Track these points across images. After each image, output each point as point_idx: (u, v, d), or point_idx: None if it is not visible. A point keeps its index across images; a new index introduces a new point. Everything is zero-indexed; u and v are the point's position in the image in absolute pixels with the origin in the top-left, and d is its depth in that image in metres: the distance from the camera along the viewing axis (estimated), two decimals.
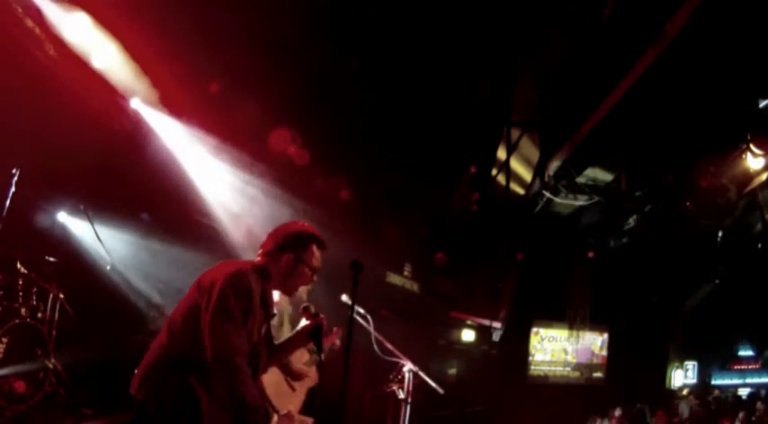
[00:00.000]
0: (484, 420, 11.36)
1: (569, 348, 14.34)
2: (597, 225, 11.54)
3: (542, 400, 12.03)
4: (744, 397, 14.64)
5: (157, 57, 6.44)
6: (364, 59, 7.49)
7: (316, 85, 7.42)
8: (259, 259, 2.93)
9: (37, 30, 5.87)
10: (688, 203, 10.01)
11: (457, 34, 7.64)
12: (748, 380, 15.77)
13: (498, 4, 7.47)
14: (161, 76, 6.71)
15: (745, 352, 16.21)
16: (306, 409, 4.80)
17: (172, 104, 6.97)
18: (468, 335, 12.48)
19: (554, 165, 9.79)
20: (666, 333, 15.17)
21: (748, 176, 9.05)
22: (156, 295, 7.16)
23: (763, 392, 14.40)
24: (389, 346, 3.96)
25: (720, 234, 11.27)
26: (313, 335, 3.06)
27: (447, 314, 11.91)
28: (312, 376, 4.86)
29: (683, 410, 13.03)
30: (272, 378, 4.47)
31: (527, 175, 10.64)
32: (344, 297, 3.59)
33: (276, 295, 3.06)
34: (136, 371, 2.69)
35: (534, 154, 10.24)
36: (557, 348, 14.30)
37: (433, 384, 4.09)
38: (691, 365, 15.82)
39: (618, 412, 11.82)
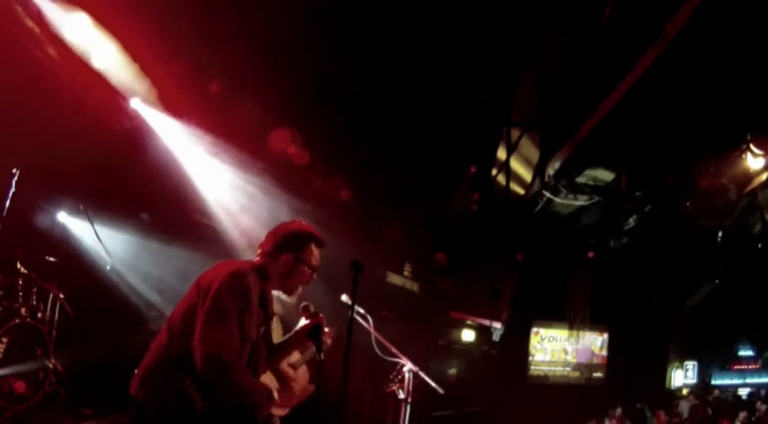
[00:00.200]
0: (484, 420, 11.36)
1: (569, 348, 14.35)
2: (597, 225, 11.54)
3: (542, 400, 12.04)
4: (744, 397, 14.65)
5: (157, 57, 6.43)
6: (364, 59, 7.48)
7: (316, 85, 7.41)
8: (258, 259, 2.93)
9: (37, 30, 5.86)
10: (688, 203, 10.01)
11: (457, 34, 7.64)
12: (748, 380, 15.78)
13: (498, 4, 7.47)
14: (161, 76, 6.70)
15: (745, 352, 16.22)
16: (304, 408, 4.79)
17: (172, 104, 6.96)
18: (468, 335, 12.49)
19: (554, 165, 9.79)
20: (666, 333, 15.18)
21: (748, 176, 9.05)
22: (155, 296, 7.17)
23: (763, 392, 14.41)
24: (389, 346, 3.96)
25: (720, 234, 11.27)
26: (312, 335, 3.05)
27: (447, 314, 11.91)
28: (301, 375, 4.83)
29: (683, 409, 13.04)
30: (262, 379, 4.45)
31: (527, 175, 10.64)
32: (344, 297, 3.59)
33: None
34: (136, 371, 2.69)
35: (534, 154, 10.25)
36: (557, 348, 14.31)
37: (433, 384, 4.08)
38: (691, 365, 15.83)
39: (618, 412, 11.83)
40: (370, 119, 8.21)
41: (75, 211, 6.80)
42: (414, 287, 11.05)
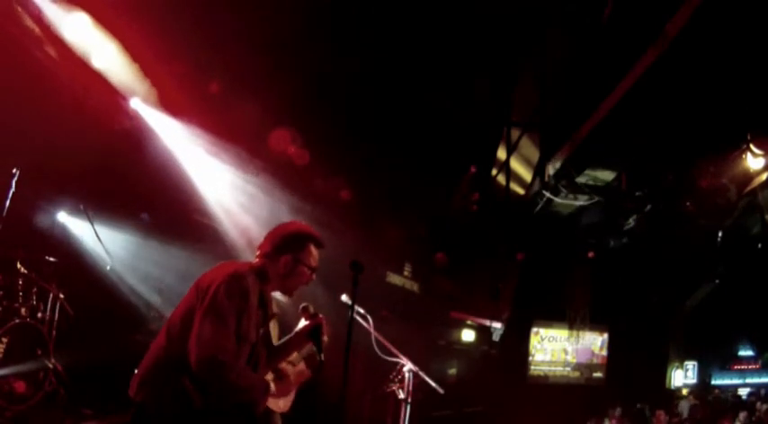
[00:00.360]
0: (484, 420, 11.37)
1: (569, 348, 14.35)
2: (597, 225, 11.54)
3: (542, 400, 12.05)
4: (744, 397, 14.65)
5: (157, 58, 6.44)
6: (364, 59, 7.49)
7: (316, 85, 7.42)
8: (257, 260, 2.93)
9: (37, 30, 5.86)
10: (688, 203, 10.01)
11: (457, 34, 7.64)
12: (748, 380, 15.79)
13: (498, 4, 7.47)
14: (161, 76, 6.70)
15: (745, 352, 16.23)
16: (302, 407, 4.78)
17: (172, 104, 6.96)
18: (468, 335, 12.50)
19: (554, 165, 9.79)
20: (666, 333, 15.18)
21: (748, 176, 9.04)
22: (155, 296, 7.17)
23: (763, 392, 14.41)
24: (389, 346, 3.96)
25: (720, 234, 11.27)
26: (312, 335, 3.05)
27: (447, 314, 11.92)
28: (297, 373, 4.82)
29: (683, 409, 13.03)
30: None
31: (527, 175, 10.65)
32: (344, 297, 3.59)
33: None
34: (135, 372, 2.69)
35: (534, 154, 10.25)
36: (557, 348, 14.31)
37: (433, 384, 4.08)
38: (691, 365, 15.83)
39: (618, 412, 11.83)
40: (370, 119, 8.21)
41: (75, 211, 6.80)
42: (414, 287, 11.06)
